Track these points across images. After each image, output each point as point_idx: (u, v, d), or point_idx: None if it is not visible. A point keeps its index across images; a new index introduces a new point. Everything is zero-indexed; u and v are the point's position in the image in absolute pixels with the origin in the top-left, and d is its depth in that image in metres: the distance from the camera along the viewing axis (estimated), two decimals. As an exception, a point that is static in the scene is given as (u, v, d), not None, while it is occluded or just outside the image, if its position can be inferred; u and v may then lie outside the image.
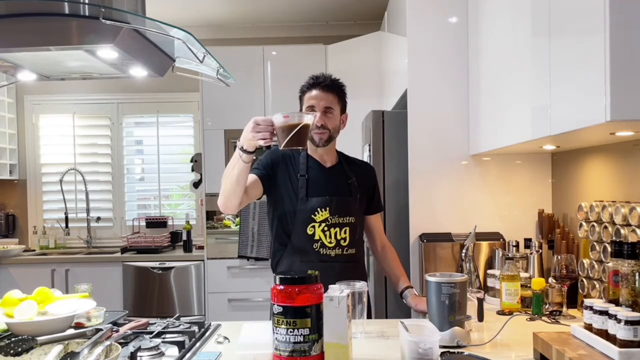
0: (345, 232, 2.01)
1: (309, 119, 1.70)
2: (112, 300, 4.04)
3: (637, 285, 1.40)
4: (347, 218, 2.02)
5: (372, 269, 2.77)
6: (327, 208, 2.00)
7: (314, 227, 1.99)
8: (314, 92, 2.02)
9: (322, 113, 2.01)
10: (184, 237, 4.39)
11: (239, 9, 4.38)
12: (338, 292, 1.42)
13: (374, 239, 2.21)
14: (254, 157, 1.84)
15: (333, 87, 2.04)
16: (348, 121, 2.14)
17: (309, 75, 2.09)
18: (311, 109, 2.01)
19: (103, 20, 1.36)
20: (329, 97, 2.02)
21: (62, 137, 4.82)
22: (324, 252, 1.99)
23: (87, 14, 1.41)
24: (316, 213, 2.00)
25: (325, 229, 1.99)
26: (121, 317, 1.85)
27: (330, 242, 2.00)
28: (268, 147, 1.74)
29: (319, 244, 1.99)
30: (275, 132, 1.72)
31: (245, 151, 1.81)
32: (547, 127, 1.65)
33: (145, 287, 4.14)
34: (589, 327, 1.37)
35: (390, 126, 2.81)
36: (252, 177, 1.99)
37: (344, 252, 2.01)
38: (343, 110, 2.09)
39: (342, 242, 2.00)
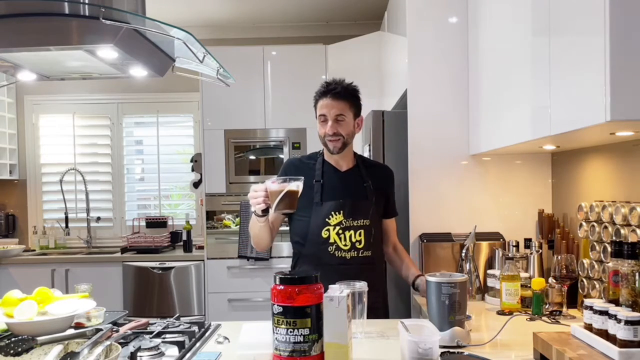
0: (360, 235, 2.02)
1: (294, 185, 1.74)
2: (112, 300, 4.04)
3: (637, 285, 1.40)
4: (362, 221, 2.03)
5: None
6: (341, 211, 2.02)
7: (328, 230, 2.02)
8: (325, 101, 2.03)
9: (334, 121, 2.02)
10: (184, 237, 4.39)
11: (239, 9, 4.38)
12: (338, 292, 1.42)
13: (387, 240, 2.23)
14: (267, 216, 1.90)
15: (345, 94, 2.04)
16: (362, 121, 2.16)
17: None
18: (323, 117, 2.04)
19: (103, 20, 1.36)
20: (340, 104, 2.03)
21: (62, 137, 4.82)
22: (340, 255, 2.01)
23: (87, 14, 1.41)
24: (330, 216, 2.02)
25: (340, 231, 2.01)
26: (121, 317, 1.85)
27: (345, 245, 2.01)
28: (266, 210, 1.83)
29: (334, 246, 2.01)
30: (268, 197, 1.80)
31: (256, 214, 1.90)
32: (547, 127, 1.65)
33: (145, 287, 4.14)
34: (589, 327, 1.37)
35: (390, 126, 2.81)
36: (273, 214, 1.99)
37: (360, 255, 2.02)
38: (357, 114, 2.10)
39: (357, 245, 2.02)
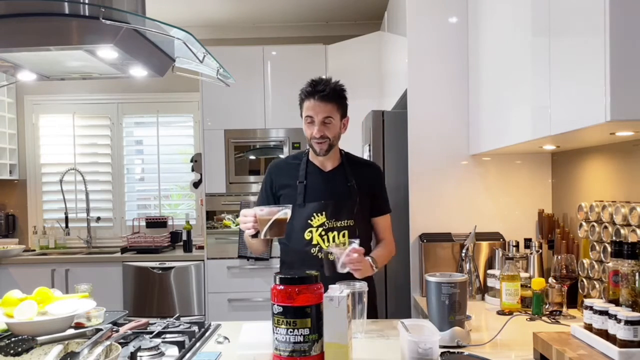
0: (343, 236, 2.00)
1: (284, 213, 1.76)
2: (112, 300, 4.03)
3: (637, 285, 1.40)
4: (345, 221, 2.01)
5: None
6: (323, 212, 2.01)
7: (311, 232, 2.00)
8: (312, 102, 1.98)
9: (321, 124, 1.99)
10: (184, 237, 4.39)
11: (239, 9, 4.38)
12: (338, 292, 1.42)
13: (377, 238, 2.18)
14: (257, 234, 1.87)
15: (332, 96, 1.99)
16: (348, 121, 2.13)
17: (308, 79, 2.04)
18: (310, 119, 2.00)
19: (103, 20, 1.36)
20: (327, 107, 1.98)
21: (62, 137, 4.82)
22: (322, 258, 1.97)
23: (87, 14, 1.41)
24: (312, 218, 2.01)
25: (323, 233, 2.00)
26: (121, 317, 1.85)
27: (328, 246, 1.99)
28: (256, 235, 1.83)
29: (317, 248, 2.00)
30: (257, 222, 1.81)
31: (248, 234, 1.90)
32: (547, 127, 1.65)
33: (145, 287, 4.14)
34: (589, 327, 1.37)
35: (390, 126, 2.81)
36: None
37: None
38: (344, 115, 2.06)
39: (341, 246, 1.99)
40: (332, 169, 2.10)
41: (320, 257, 1.97)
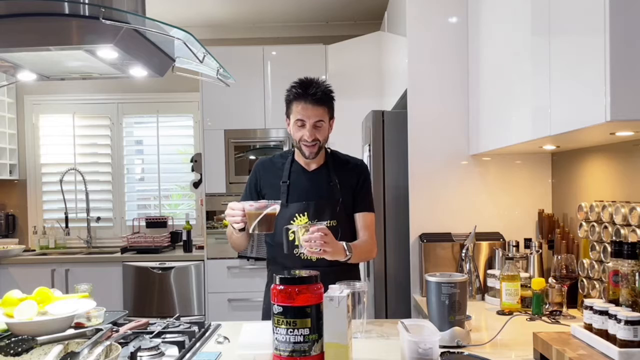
0: None
1: (273, 208, 1.76)
2: (112, 300, 4.04)
3: (637, 285, 1.40)
4: (328, 222, 1.99)
5: (372, 270, 2.78)
6: (305, 213, 1.99)
7: (294, 232, 1.95)
8: (304, 105, 1.95)
9: (313, 127, 1.96)
10: (184, 237, 4.39)
11: (239, 9, 4.38)
12: (338, 292, 1.42)
13: (358, 237, 2.09)
14: (244, 228, 1.87)
15: (324, 99, 1.97)
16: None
17: (297, 79, 2.00)
18: (301, 122, 1.97)
19: (103, 20, 1.36)
20: (319, 110, 1.95)
21: (62, 137, 4.82)
22: (306, 257, 1.96)
23: (87, 14, 1.41)
24: (295, 219, 1.99)
25: (305, 234, 1.97)
26: (121, 317, 1.85)
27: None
28: (243, 229, 1.84)
29: (299, 249, 1.96)
30: (245, 216, 1.81)
31: (234, 228, 1.90)
32: (547, 127, 1.65)
33: (145, 287, 4.14)
34: (589, 327, 1.37)
35: (390, 126, 2.81)
36: None
37: None
38: (331, 117, 2.04)
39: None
40: (315, 168, 2.08)
41: (303, 257, 1.96)
